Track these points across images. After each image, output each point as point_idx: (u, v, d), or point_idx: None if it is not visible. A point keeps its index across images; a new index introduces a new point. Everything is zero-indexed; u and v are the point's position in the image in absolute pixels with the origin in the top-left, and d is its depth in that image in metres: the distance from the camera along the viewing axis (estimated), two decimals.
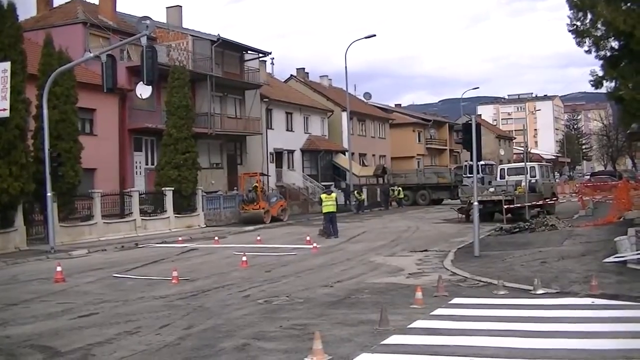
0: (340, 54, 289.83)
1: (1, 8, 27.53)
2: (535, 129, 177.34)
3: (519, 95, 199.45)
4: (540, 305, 12.81)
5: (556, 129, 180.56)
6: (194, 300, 14.83)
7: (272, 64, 75.73)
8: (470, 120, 21.44)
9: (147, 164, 42.97)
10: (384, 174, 64.68)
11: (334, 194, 32.34)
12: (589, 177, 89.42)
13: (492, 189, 37.78)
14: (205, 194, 41.88)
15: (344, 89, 61.70)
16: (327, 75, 77.19)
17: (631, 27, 20.73)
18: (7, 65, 25.48)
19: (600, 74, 24.55)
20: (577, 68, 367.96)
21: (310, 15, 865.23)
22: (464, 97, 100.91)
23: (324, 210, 31.34)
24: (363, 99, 79.64)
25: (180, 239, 31.40)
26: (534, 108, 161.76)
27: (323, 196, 32.12)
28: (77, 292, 16.92)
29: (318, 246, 25.55)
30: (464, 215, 37.27)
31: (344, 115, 62.75)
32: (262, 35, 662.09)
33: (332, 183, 60.22)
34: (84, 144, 32.47)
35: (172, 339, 11.08)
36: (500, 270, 16.90)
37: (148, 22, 25.65)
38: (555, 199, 41.06)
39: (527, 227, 28.41)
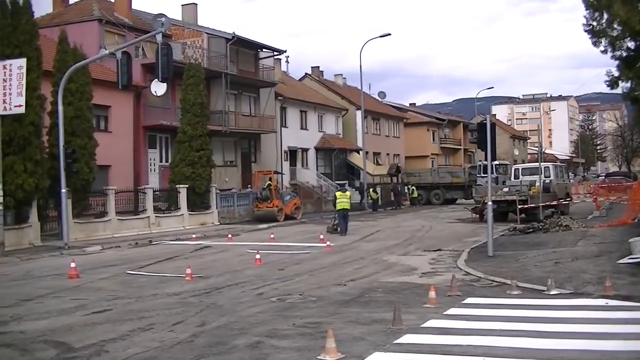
0: (354, 53, 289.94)
1: (17, 5, 27.65)
2: (550, 129, 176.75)
3: (533, 95, 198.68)
4: (553, 305, 12.78)
5: (571, 129, 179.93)
6: (207, 298, 14.85)
7: (287, 62, 75.70)
8: (485, 120, 21.40)
9: (161, 161, 43.11)
10: (397, 173, 64.54)
11: (348, 192, 33.51)
12: (603, 177, 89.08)
13: (506, 189, 37.69)
14: (219, 191, 41.94)
15: (359, 87, 61.71)
16: (341, 74, 77.09)
17: None
18: (22, 61, 25.54)
19: (616, 74, 24.47)
20: (590, 69, 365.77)
21: (325, 14, 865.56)
22: (478, 96, 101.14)
23: (338, 207, 32.03)
24: (377, 98, 79.57)
25: (193, 236, 31.46)
26: (549, 108, 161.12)
27: (337, 194, 33.00)
28: (90, 288, 16.98)
29: (331, 244, 25.59)
30: (477, 215, 37.25)
31: (359, 114, 62.78)
32: (277, 34, 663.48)
33: (347, 182, 60.25)
34: (99, 141, 32.54)
35: (185, 336, 11.11)
36: (514, 271, 16.85)
37: (163, 19, 25.71)
38: (569, 199, 40.89)
39: (541, 227, 28.34)
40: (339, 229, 32.02)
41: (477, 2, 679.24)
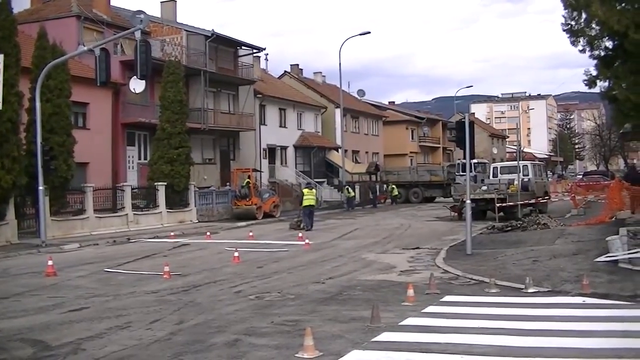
0: (334, 52, 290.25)
1: None
2: (529, 128, 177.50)
3: (512, 94, 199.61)
4: (531, 303, 12.83)
5: (549, 128, 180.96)
6: (186, 296, 14.81)
7: (266, 60, 75.74)
8: (464, 119, 21.46)
9: (139, 158, 42.88)
10: (376, 171, 64.63)
11: (314, 190, 35.07)
12: (581, 176, 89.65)
13: (484, 187, 37.78)
14: (197, 189, 41.81)
15: (338, 85, 61.71)
16: (320, 72, 77.18)
17: (625, 27, 20.68)
18: (0, 58, 25.36)
19: (594, 73, 24.53)
20: (568, 69, 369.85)
21: (305, 13, 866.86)
22: (457, 95, 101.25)
23: (305, 203, 33.33)
24: (357, 96, 79.61)
25: (172, 234, 31.36)
26: (527, 107, 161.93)
27: (305, 191, 34.25)
28: (68, 286, 16.88)
29: (310, 242, 25.57)
30: (456, 213, 37.34)
31: (338, 112, 62.77)
32: (258, 33, 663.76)
33: (325, 180, 60.32)
34: (77, 138, 32.38)
35: (163, 334, 11.07)
36: (492, 269, 16.92)
37: (142, 16, 25.57)
38: (547, 197, 41.11)
39: (519, 225, 28.42)
40: (302, 225, 33.02)
41: (455, 3, 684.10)
